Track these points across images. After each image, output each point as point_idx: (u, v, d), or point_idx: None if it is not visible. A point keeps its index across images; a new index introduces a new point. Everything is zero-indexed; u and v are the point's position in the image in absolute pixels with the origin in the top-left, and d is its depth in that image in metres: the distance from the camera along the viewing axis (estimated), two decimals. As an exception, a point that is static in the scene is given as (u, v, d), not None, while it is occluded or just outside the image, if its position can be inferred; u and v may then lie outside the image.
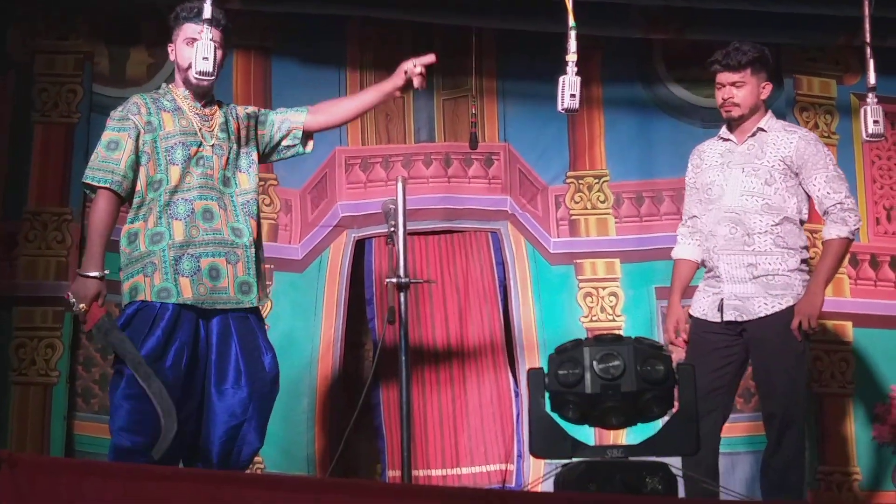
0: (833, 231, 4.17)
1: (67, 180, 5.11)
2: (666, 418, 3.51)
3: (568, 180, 5.46)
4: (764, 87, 4.26)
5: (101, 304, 3.73)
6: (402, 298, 4.34)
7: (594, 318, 5.32)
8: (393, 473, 5.10)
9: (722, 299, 4.20)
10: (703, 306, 4.28)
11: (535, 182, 5.46)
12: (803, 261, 4.22)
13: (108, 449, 3.74)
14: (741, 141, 4.28)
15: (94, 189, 3.80)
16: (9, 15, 5.22)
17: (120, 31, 5.32)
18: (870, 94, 3.95)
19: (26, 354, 4.97)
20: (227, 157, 3.90)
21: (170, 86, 3.95)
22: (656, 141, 5.42)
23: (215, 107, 3.96)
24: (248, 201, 3.92)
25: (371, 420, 5.31)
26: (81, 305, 3.67)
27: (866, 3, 4.02)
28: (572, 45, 3.70)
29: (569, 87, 3.69)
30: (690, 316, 4.35)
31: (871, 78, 3.96)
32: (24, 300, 5.02)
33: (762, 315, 4.15)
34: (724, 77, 4.24)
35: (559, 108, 3.72)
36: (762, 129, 4.25)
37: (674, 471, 3.25)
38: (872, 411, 5.18)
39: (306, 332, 5.20)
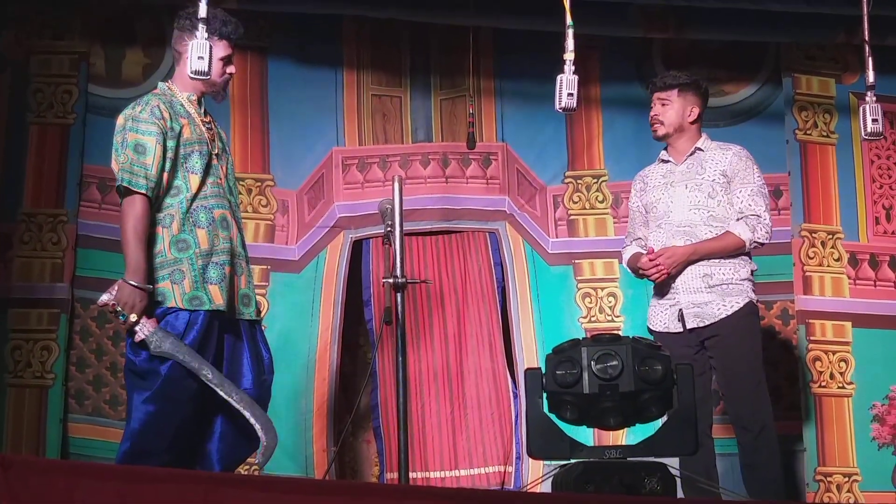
0: (737, 228, 4.25)
1: (63, 181, 5.09)
2: (665, 418, 3.49)
3: (566, 180, 5.44)
4: (691, 111, 4.41)
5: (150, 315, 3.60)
6: (399, 299, 4.32)
7: (593, 319, 5.31)
8: (391, 475, 5.07)
9: (681, 309, 4.27)
10: (662, 319, 4.35)
11: (533, 182, 5.44)
12: (752, 272, 4.31)
13: (121, 450, 3.61)
14: (680, 161, 4.42)
15: (128, 192, 3.62)
16: (4, 15, 5.19)
17: (115, 32, 5.31)
18: (869, 93, 3.93)
19: (21, 357, 4.95)
20: (227, 167, 3.87)
21: (172, 88, 3.80)
22: (655, 140, 5.39)
23: (208, 115, 3.90)
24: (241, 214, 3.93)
25: (369, 421, 5.30)
26: (133, 316, 3.56)
27: (865, 1, 4.00)
28: (570, 43, 3.68)
29: (566, 86, 3.67)
30: (651, 331, 4.41)
31: (870, 76, 3.95)
32: (18, 302, 5.00)
33: (722, 316, 4.21)
34: (654, 97, 4.46)
35: (557, 107, 3.70)
36: (699, 149, 4.39)
37: (672, 471, 3.23)
38: (872, 412, 5.16)
39: (303, 332, 5.18)
